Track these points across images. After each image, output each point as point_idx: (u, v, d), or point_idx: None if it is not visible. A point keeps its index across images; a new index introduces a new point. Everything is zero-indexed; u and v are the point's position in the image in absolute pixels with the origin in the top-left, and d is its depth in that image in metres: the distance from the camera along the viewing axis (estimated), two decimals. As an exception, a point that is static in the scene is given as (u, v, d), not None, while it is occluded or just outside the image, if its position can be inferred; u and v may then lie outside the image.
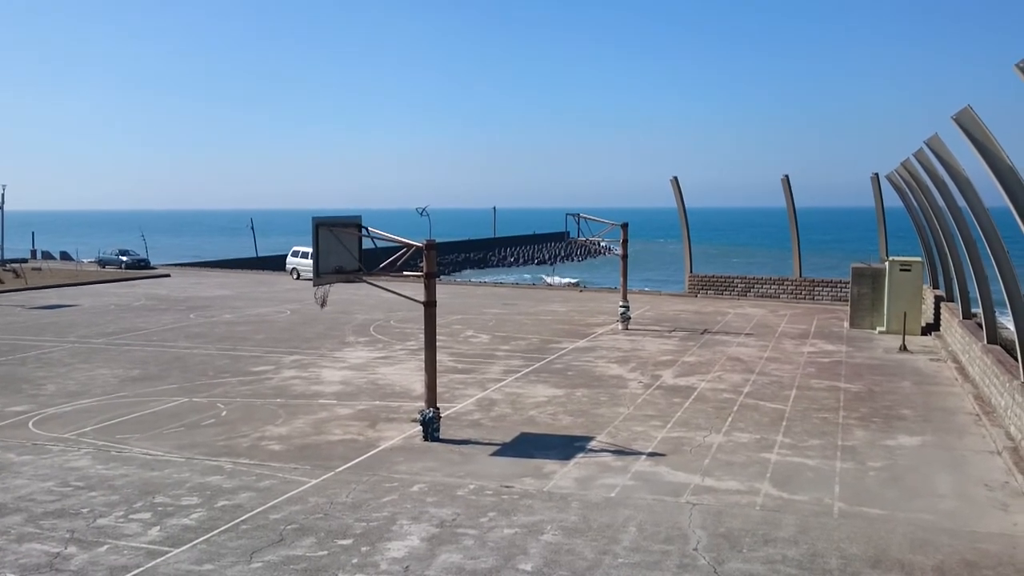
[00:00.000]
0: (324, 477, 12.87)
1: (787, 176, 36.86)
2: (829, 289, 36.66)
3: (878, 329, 27.98)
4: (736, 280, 38.71)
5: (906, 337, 25.35)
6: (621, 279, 29.39)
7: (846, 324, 29.49)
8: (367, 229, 15.41)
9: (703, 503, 11.79)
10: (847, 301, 30.66)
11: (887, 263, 28.04)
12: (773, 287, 37.71)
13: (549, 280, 64.14)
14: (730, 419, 16.50)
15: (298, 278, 47.87)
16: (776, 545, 10.33)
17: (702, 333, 27.58)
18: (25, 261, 61.19)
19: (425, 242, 15.07)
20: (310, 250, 49.07)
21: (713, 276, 39.39)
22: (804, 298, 36.76)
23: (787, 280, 37.63)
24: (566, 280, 62.60)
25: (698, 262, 40.78)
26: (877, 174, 36.16)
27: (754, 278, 38.92)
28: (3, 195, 68.20)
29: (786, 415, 16.86)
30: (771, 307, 34.70)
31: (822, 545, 10.33)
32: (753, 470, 13.32)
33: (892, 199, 34.63)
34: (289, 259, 50.30)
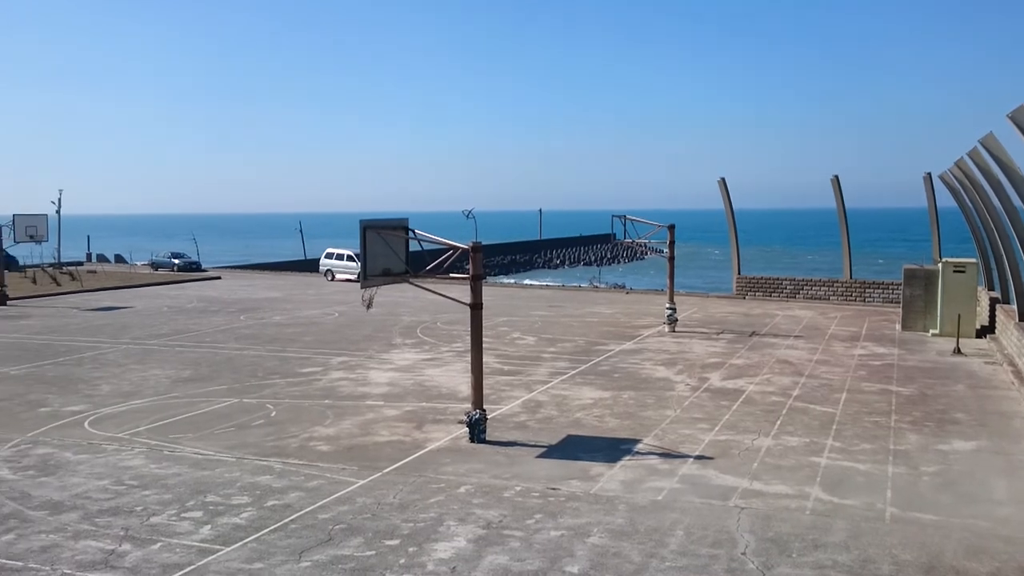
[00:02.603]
0: (371, 478, 12.97)
1: (837, 176, 36.36)
2: (880, 291, 36.06)
3: (931, 332, 27.45)
4: (785, 282, 38.26)
5: (960, 340, 24.83)
6: (668, 281, 29.19)
7: (898, 326, 28.99)
8: (414, 231, 15.51)
9: (752, 507, 11.67)
10: (899, 303, 30.13)
11: (940, 264, 27.50)
12: (823, 289, 37.20)
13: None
14: (779, 422, 16.31)
15: (332, 279, 48.54)
16: (826, 550, 10.18)
17: (750, 335, 27.30)
18: (81, 264, 62.65)
19: (471, 244, 15.12)
20: (344, 252, 50.10)
21: (761, 278, 38.98)
22: (855, 300, 36.21)
23: (837, 282, 37.10)
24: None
25: (746, 264, 40.39)
26: (930, 174, 35.50)
27: (803, 280, 38.44)
28: (60, 199, 69.97)
29: (836, 419, 16.62)
30: (821, 309, 34.23)
31: (874, 551, 10.16)
32: (803, 474, 13.15)
33: (946, 199, 34.00)
34: (323, 260, 51.05)
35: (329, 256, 50.52)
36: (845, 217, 36.76)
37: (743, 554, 10.07)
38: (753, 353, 24.00)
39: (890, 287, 35.70)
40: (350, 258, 48.34)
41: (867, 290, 36.29)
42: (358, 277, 52.67)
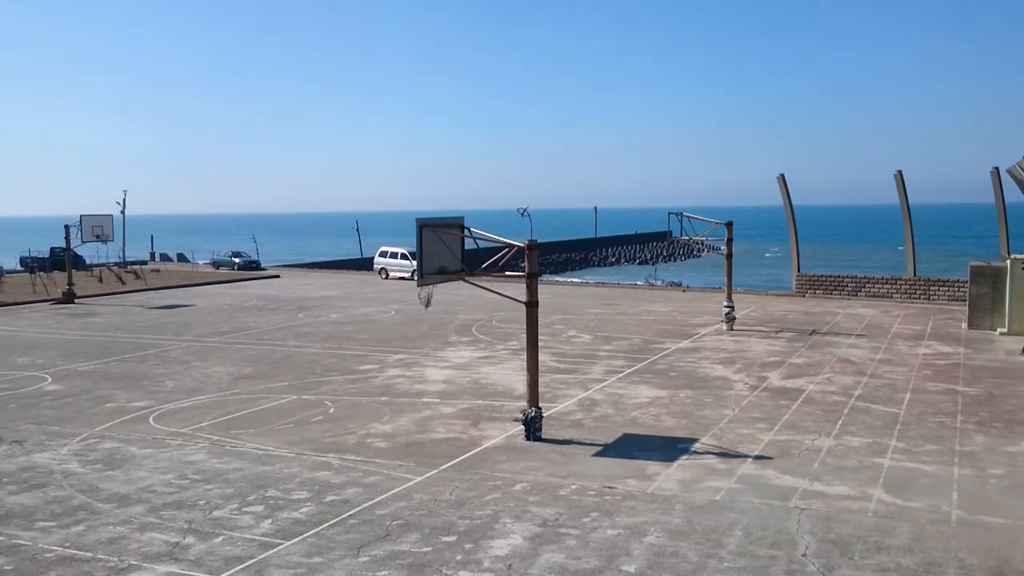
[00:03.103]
0: (428, 474, 13.05)
1: (900, 172, 35.60)
2: (946, 289, 35.21)
3: (999, 330, 26.73)
4: (846, 279, 37.58)
5: (1030, 339, 24.14)
6: (726, 278, 28.87)
7: (964, 325, 28.28)
8: (469, 230, 15.56)
9: (812, 508, 11.48)
10: (965, 301, 29.40)
11: (1009, 261, 26.77)
12: (885, 287, 36.45)
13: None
14: (840, 422, 16.03)
15: (386, 277, 49.03)
16: (889, 553, 9.98)
17: (810, 334, 26.87)
18: (145, 263, 64.14)
19: (527, 242, 15.12)
20: (399, 250, 50.53)
21: (822, 275, 38.34)
22: (919, 298, 35.41)
23: (900, 279, 36.32)
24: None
25: (806, 261, 39.76)
26: (997, 168, 34.55)
27: (865, 277, 37.72)
28: (124, 200, 71.68)
29: (900, 419, 16.27)
30: (883, 307, 33.55)
31: (939, 555, 9.93)
32: (865, 475, 12.90)
33: (1014, 194, 33.06)
34: (377, 259, 51.60)
35: (383, 254, 51.05)
36: (909, 213, 35.96)
37: (803, 556, 9.91)
38: (813, 352, 23.62)
39: (956, 284, 34.85)
40: (404, 256, 48.76)
41: (932, 288, 35.47)
42: (412, 275, 52.99)
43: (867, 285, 36.91)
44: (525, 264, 15.05)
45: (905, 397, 18.10)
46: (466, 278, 15.74)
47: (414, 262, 53.04)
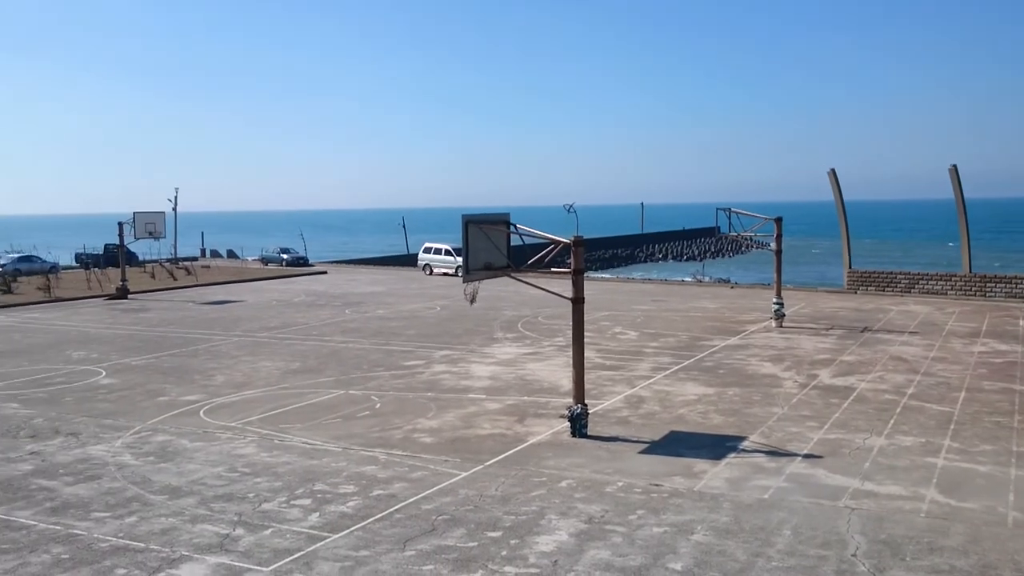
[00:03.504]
0: (474, 470, 13.08)
1: (955, 166, 34.84)
2: (1003, 285, 34.39)
3: (1058, 328, 26.05)
4: (899, 276, 36.90)
5: (1090, 337, 23.49)
6: (775, 275, 28.51)
7: (1022, 322, 27.61)
8: (515, 226, 15.54)
9: (863, 508, 11.29)
10: (1023, 298, 28.69)
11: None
12: (940, 283, 35.72)
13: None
14: (892, 421, 15.74)
15: (430, 274, 49.25)
16: (943, 554, 9.77)
17: (862, 331, 26.43)
18: (195, 259, 65.18)
19: (573, 238, 15.06)
20: (442, 246, 50.88)
21: (873, 272, 37.71)
22: (974, 295, 34.63)
23: (955, 276, 35.56)
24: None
25: (857, 257, 39.12)
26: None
27: (918, 274, 36.99)
28: (176, 197, 72.89)
29: (954, 418, 15.93)
30: (938, 304, 32.88)
31: (995, 556, 9.70)
32: (917, 475, 12.65)
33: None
34: (421, 255, 51.86)
35: (427, 251, 51.31)
36: (964, 208, 35.17)
37: (853, 556, 9.75)
38: (865, 349, 23.23)
39: (1013, 281, 34.03)
40: (447, 252, 48.97)
41: (988, 284, 34.66)
42: (456, 271, 53.05)
43: (920, 282, 36.21)
44: (571, 260, 15.00)
45: (960, 396, 17.72)
46: (512, 274, 15.74)
47: (458, 258, 53.20)
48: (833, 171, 37.35)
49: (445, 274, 47.99)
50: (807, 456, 13.64)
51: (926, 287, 35.89)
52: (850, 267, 37.83)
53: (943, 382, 19.08)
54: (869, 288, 36.95)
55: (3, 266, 48.61)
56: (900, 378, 19.52)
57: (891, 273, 37.37)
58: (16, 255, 53.89)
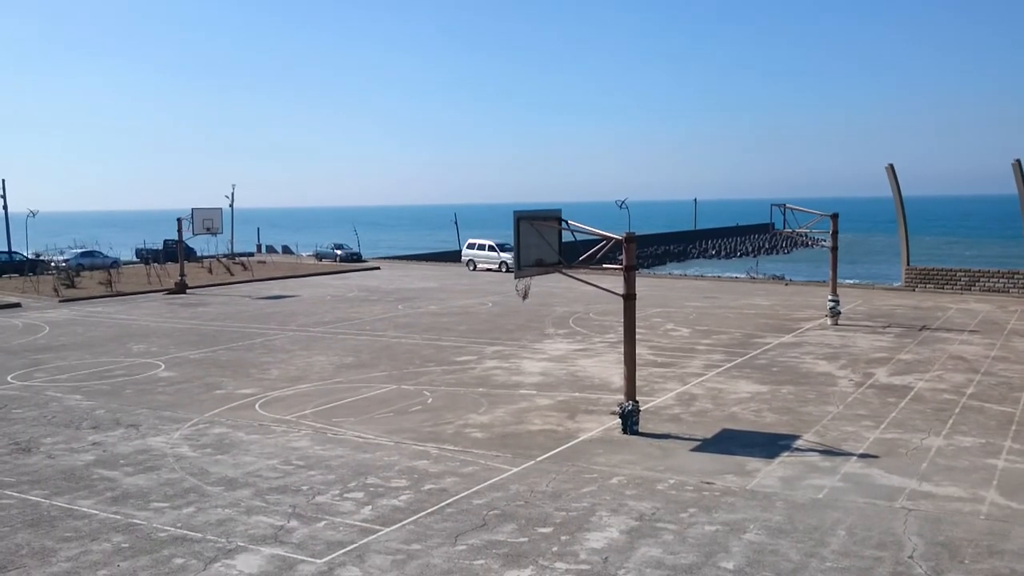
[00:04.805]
0: (525, 466, 13.11)
1: (1019, 160, 33.93)
2: (1067, 283, 33.44)
3: None
4: (959, 273, 36.08)
5: None
6: (830, 272, 28.07)
7: (1087, 321, 26.82)
8: (567, 222, 15.53)
9: (920, 509, 11.09)
10: (1089, 296, 27.87)
11: None
12: (1002, 281, 34.84)
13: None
14: (951, 421, 15.42)
15: (474, 269, 49.26)
16: (1003, 558, 9.56)
17: (920, 330, 25.91)
18: (252, 255, 66.21)
19: (625, 235, 15.00)
20: (486, 242, 51.13)
21: (932, 269, 36.92)
22: (1037, 293, 33.72)
23: (1019, 273, 34.65)
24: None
25: (915, 254, 38.35)
26: None
27: (979, 271, 36.12)
28: (233, 194, 74.11)
29: (1016, 419, 15.55)
30: (999, 302, 32.09)
31: (1058, 562, 9.46)
32: (977, 476, 12.38)
33: None
34: (464, 251, 51.88)
35: (471, 246, 51.34)
36: (1027, 204, 34.24)
37: (910, 558, 9.59)
38: (923, 348, 22.77)
39: (1079, 279, 33.07)
40: (492, 248, 48.98)
41: (1052, 282, 33.73)
42: (500, 267, 53.12)
43: (981, 279, 35.37)
44: (623, 256, 14.94)
45: (1022, 396, 17.29)
46: (563, 270, 15.73)
47: (502, 254, 53.17)
48: (891, 166, 36.63)
49: (489, 269, 48.05)
50: (863, 456, 13.43)
51: (987, 284, 35.04)
52: (908, 264, 37.09)
53: (1004, 382, 18.63)
54: (928, 285, 36.19)
55: (67, 261, 49.87)
56: (959, 377, 19.11)
57: (950, 270, 36.56)
58: (79, 250, 55.25)
